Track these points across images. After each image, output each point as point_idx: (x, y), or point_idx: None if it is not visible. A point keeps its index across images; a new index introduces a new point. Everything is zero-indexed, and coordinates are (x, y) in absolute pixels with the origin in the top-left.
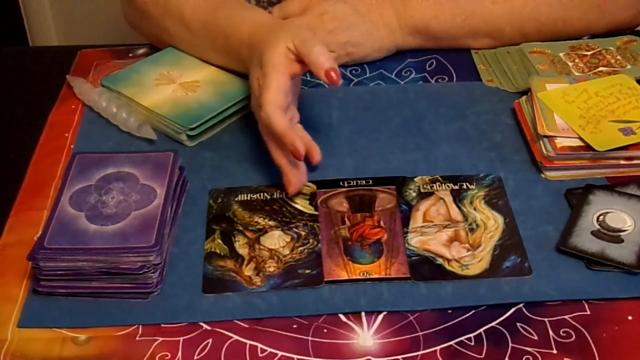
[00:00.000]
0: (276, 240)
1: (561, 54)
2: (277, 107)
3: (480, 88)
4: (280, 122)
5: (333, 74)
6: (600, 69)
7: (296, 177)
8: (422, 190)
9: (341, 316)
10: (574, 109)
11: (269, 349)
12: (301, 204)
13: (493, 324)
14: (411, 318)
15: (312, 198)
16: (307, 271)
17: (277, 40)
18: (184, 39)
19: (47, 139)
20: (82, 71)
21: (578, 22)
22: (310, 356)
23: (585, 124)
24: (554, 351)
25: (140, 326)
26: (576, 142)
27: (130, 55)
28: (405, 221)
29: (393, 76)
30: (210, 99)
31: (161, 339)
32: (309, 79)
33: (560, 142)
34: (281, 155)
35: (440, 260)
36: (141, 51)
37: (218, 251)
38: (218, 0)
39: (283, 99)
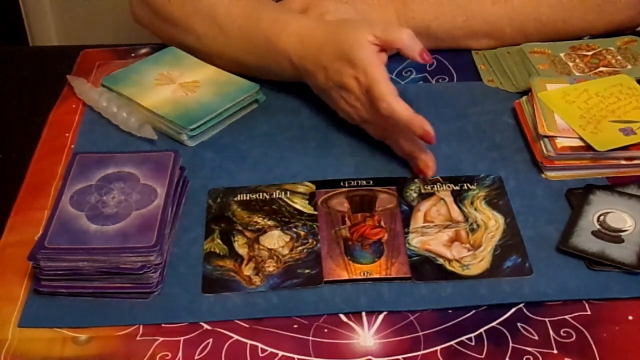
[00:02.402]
0: (275, 240)
1: (562, 54)
2: (394, 95)
3: (481, 88)
4: (403, 109)
5: (425, 55)
6: (601, 69)
7: (431, 159)
8: (422, 191)
9: (342, 316)
10: (574, 109)
11: (270, 349)
12: (300, 204)
13: (493, 324)
14: (411, 318)
15: (311, 198)
16: (306, 271)
17: (357, 36)
18: (216, 40)
19: (48, 138)
20: (84, 71)
21: (578, 22)
22: (310, 356)
23: (585, 124)
24: (555, 351)
25: (141, 326)
26: (577, 142)
27: (133, 55)
28: (406, 221)
29: (393, 76)
30: (210, 99)
31: (162, 338)
32: None
33: (561, 142)
34: (409, 143)
35: (441, 261)
36: (143, 51)
37: (217, 251)
38: (253, 1)
39: (394, 88)
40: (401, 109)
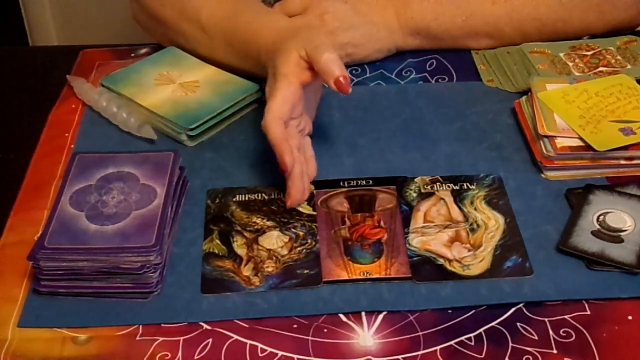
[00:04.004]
0: (274, 240)
1: (561, 54)
2: (276, 117)
3: (481, 88)
4: (275, 132)
5: (343, 82)
6: (601, 69)
7: (297, 191)
8: (422, 191)
9: (341, 316)
10: (574, 109)
11: (269, 349)
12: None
13: (493, 324)
14: (411, 318)
15: (310, 198)
16: (305, 271)
17: (289, 48)
18: (201, 42)
19: (48, 138)
20: (84, 71)
21: (578, 22)
22: (310, 356)
23: (585, 124)
24: (554, 351)
25: (141, 326)
26: (576, 142)
27: (133, 55)
28: (406, 221)
29: (393, 76)
30: (210, 99)
31: (161, 338)
32: None
33: (561, 142)
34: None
35: (441, 261)
36: (143, 51)
37: (216, 251)
38: (236, 4)
39: (287, 109)
40: (273, 132)
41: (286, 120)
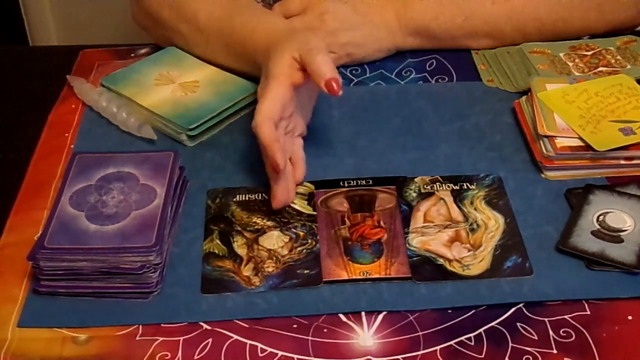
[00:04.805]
0: (274, 240)
1: (561, 54)
2: (267, 117)
3: (480, 88)
4: (266, 132)
5: (334, 84)
6: (600, 69)
7: (281, 193)
8: (422, 191)
9: (341, 316)
10: (574, 109)
11: (269, 349)
12: (299, 204)
13: (493, 323)
14: (411, 318)
15: (310, 198)
16: (305, 271)
17: (283, 49)
18: (198, 43)
19: (47, 138)
20: (84, 71)
21: (578, 22)
22: (310, 356)
23: (585, 123)
24: (554, 351)
25: (141, 326)
26: (576, 142)
27: (132, 55)
28: (406, 221)
29: (393, 76)
30: (210, 99)
31: (161, 338)
32: None
33: (560, 142)
34: (268, 169)
35: (441, 261)
36: (143, 51)
37: (216, 251)
38: (233, 5)
39: (278, 110)
40: (263, 132)
41: (276, 121)
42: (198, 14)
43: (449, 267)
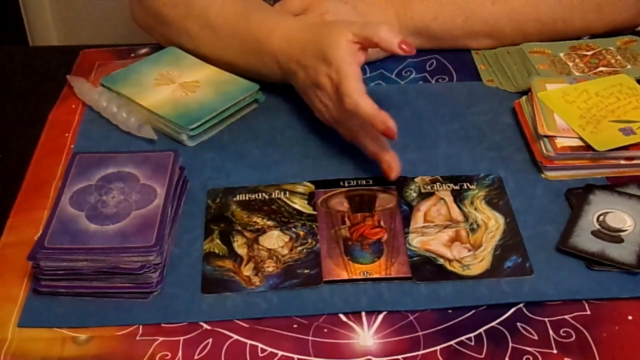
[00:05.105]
0: (275, 240)
1: (561, 54)
2: (361, 92)
3: (481, 88)
4: (368, 105)
5: (405, 46)
6: (601, 69)
7: (395, 161)
8: (422, 191)
9: (341, 316)
10: (574, 109)
11: (269, 349)
12: (299, 204)
13: (493, 323)
14: (411, 318)
15: (310, 198)
16: (305, 271)
17: (336, 36)
18: (208, 41)
19: (48, 138)
20: (84, 71)
21: (578, 22)
22: (310, 356)
23: (585, 124)
24: (554, 351)
25: (141, 326)
26: (576, 142)
27: (133, 55)
28: (406, 221)
29: (393, 76)
30: (210, 99)
31: (161, 338)
32: None
33: (561, 142)
34: (374, 143)
35: (441, 261)
36: (143, 51)
37: (217, 251)
38: (244, 3)
39: (363, 85)
40: (365, 104)
41: (367, 95)
42: (209, 11)
43: (449, 267)
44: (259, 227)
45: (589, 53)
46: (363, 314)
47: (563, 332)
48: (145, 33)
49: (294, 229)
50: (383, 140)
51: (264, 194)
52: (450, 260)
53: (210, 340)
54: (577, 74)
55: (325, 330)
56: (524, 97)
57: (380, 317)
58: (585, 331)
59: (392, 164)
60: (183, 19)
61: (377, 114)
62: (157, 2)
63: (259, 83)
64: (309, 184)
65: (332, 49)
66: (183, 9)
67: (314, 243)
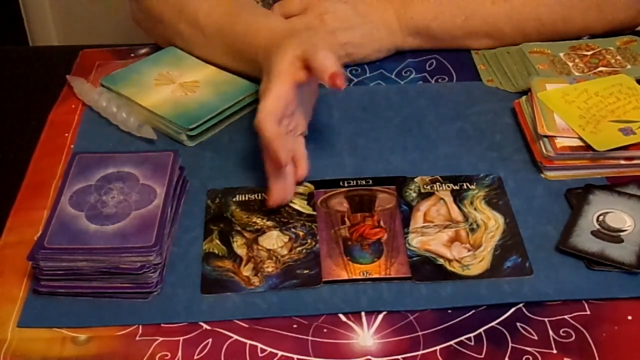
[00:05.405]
0: (274, 240)
1: (561, 54)
2: (270, 114)
3: (480, 88)
4: (269, 129)
5: (337, 79)
6: (600, 69)
7: (278, 191)
8: (422, 191)
9: (341, 316)
10: (574, 109)
11: (269, 349)
12: (299, 204)
13: (493, 324)
14: (411, 318)
15: (309, 198)
16: (305, 271)
17: (285, 48)
18: (198, 43)
19: (47, 138)
20: (84, 71)
21: (578, 22)
22: (310, 356)
23: (585, 124)
24: (554, 351)
25: (140, 326)
26: (576, 142)
27: (132, 55)
28: (406, 221)
29: (393, 76)
30: (210, 99)
31: (161, 338)
32: None
33: (560, 142)
34: (268, 166)
35: (441, 261)
36: (143, 51)
37: (216, 251)
38: (233, 5)
39: (281, 107)
40: (267, 128)
41: (279, 119)
42: (198, 14)
43: (449, 267)
44: (259, 227)
45: (589, 53)
46: (363, 314)
47: (563, 332)
48: (144, 33)
49: (293, 229)
50: (274, 169)
51: (263, 194)
52: (450, 260)
53: (210, 340)
54: (577, 74)
55: (325, 330)
56: (523, 97)
57: (380, 317)
58: (585, 331)
59: (274, 191)
60: (176, 22)
61: (273, 141)
62: (155, 3)
63: (259, 83)
64: (308, 184)
65: (275, 61)
66: (176, 10)
67: (314, 243)
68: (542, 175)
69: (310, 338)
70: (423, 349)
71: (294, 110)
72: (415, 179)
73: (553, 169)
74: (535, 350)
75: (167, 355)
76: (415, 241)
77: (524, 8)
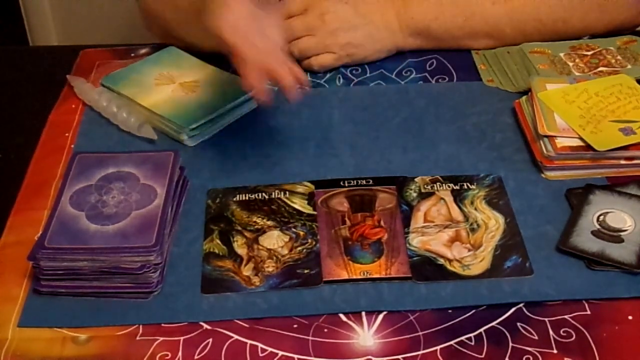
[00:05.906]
0: (275, 240)
1: (561, 54)
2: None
3: (481, 88)
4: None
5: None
6: (601, 69)
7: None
8: (422, 191)
9: (341, 316)
10: (574, 109)
11: (270, 349)
12: (299, 204)
13: (493, 323)
14: (411, 318)
15: (310, 198)
16: (305, 271)
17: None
18: (182, 24)
19: (48, 138)
20: (84, 71)
21: (578, 22)
22: (310, 356)
23: (585, 123)
24: (554, 351)
25: (141, 326)
26: (576, 142)
27: (132, 55)
28: (406, 221)
29: (393, 76)
30: (210, 99)
31: (161, 338)
32: (309, 79)
33: (561, 142)
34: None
35: (441, 261)
36: (143, 51)
37: (217, 251)
38: None
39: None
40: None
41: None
42: None
43: (449, 267)
44: (259, 227)
45: (589, 53)
46: (363, 314)
47: (563, 332)
48: (145, 32)
49: (294, 229)
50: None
51: (263, 194)
52: (450, 260)
53: (210, 340)
54: (577, 74)
55: (326, 330)
56: (524, 97)
57: (380, 317)
58: (585, 331)
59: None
60: (162, 12)
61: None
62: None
63: None
64: (309, 184)
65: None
66: (160, 1)
67: (314, 243)
68: (543, 175)
69: (310, 338)
70: (423, 349)
71: None
72: (416, 179)
73: (553, 169)
74: (536, 350)
75: (167, 355)
76: (415, 241)
77: (524, 8)
